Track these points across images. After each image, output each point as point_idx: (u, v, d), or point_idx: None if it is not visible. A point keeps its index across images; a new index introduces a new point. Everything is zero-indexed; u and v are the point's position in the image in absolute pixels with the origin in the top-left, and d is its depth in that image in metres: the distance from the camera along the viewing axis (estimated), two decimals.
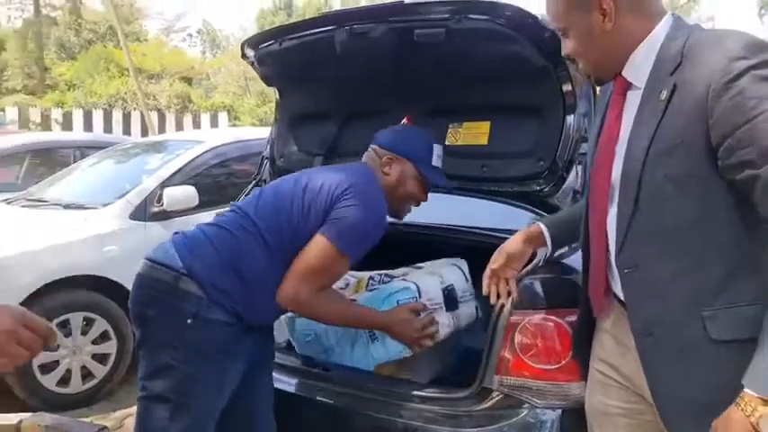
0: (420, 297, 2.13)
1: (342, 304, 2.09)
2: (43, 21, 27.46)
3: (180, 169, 4.46)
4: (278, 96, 3.07)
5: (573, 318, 1.78)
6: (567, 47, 1.55)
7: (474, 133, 2.47)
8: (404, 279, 2.23)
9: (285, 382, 2.26)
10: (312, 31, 2.48)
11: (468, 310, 2.25)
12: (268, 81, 2.95)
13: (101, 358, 3.92)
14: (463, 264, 2.32)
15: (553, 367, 1.87)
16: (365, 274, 2.35)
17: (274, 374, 2.18)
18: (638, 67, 1.47)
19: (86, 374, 3.89)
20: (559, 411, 1.85)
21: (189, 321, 1.86)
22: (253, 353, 1.99)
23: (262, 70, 2.82)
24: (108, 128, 17.54)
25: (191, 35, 35.29)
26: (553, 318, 1.89)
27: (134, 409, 1.76)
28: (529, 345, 1.90)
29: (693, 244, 1.37)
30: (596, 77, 1.60)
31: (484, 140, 2.46)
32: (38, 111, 17.64)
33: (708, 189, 1.34)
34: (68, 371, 3.83)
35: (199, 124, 18.33)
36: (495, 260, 1.86)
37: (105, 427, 1.57)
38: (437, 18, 2.20)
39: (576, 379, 1.82)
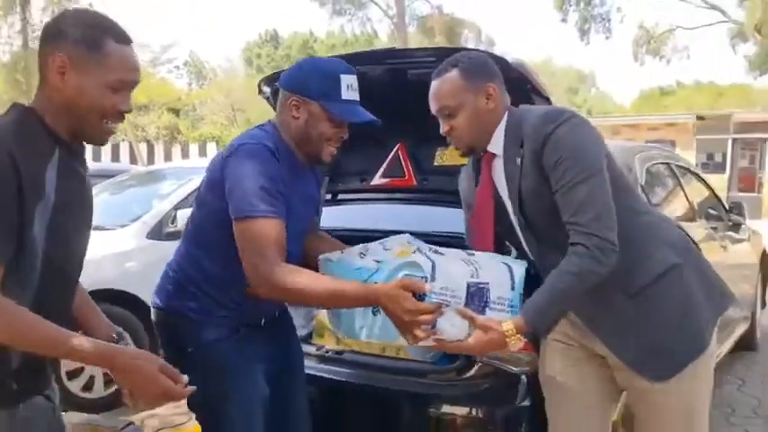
0: (433, 279, 1.76)
1: (323, 276, 1.91)
2: (31, 54, 27.84)
3: (191, 193, 4.84)
4: None
5: None
6: (451, 124, 1.92)
7: (456, 154, 2.91)
8: (436, 252, 1.91)
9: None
10: None
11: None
12: None
13: None
14: (519, 267, 1.91)
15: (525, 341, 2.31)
16: (412, 246, 2.03)
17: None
18: (498, 141, 1.91)
19: (108, 380, 4.17)
20: (528, 374, 2.29)
21: (190, 350, 1.92)
22: (268, 351, 2.07)
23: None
24: (97, 157, 17.78)
25: (177, 67, 35.70)
26: None
27: (153, 411, 1.56)
28: None
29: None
30: (469, 151, 1.99)
31: (464, 160, 2.90)
32: None
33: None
34: (92, 377, 4.18)
35: (188, 154, 18.62)
36: None
37: (132, 423, 1.57)
38: (426, 61, 2.65)
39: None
